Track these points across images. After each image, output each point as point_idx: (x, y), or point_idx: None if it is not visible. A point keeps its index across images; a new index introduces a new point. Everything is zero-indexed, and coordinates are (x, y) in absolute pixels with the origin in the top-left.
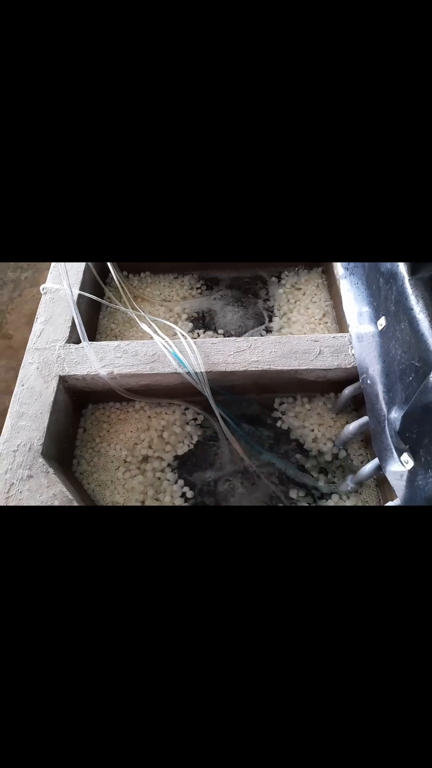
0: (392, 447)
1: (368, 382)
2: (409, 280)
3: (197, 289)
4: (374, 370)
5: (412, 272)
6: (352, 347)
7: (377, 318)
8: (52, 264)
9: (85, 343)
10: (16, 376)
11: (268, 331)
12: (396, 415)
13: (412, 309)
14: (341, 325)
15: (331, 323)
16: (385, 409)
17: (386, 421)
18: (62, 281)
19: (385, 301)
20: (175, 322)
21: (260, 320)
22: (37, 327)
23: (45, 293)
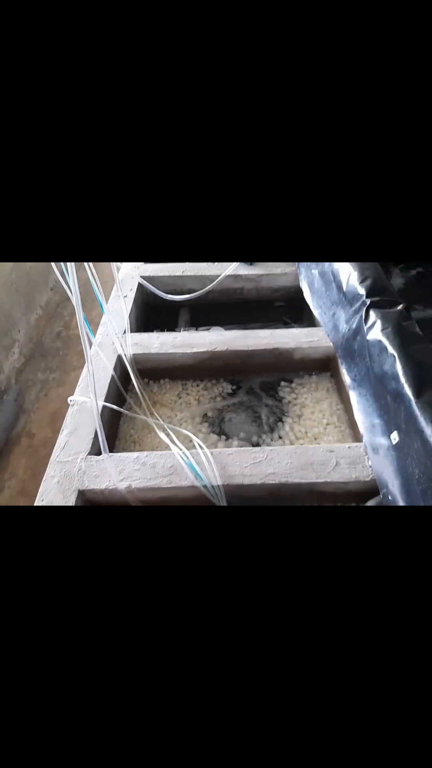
0: None
1: (389, 498)
2: (415, 402)
3: (213, 394)
4: (394, 485)
5: (418, 395)
6: (368, 458)
7: (389, 431)
8: (81, 376)
9: (105, 455)
10: (33, 475)
11: (282, 436)
12: None
13: (423, 431)
14: (354, 429)
15: (345, 428)
16: None
17: None
18: (89, 393)
19: (395, 416)
20: (191, 428)
21: (273, 425)
22: (62, 439)
23: (72, 405)
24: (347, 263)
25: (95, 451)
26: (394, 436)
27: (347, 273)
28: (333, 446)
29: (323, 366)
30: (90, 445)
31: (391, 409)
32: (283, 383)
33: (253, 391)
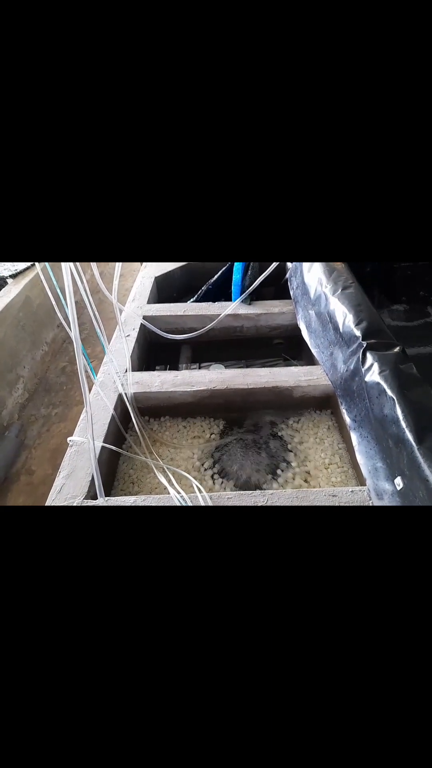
0: None
1: None
2: (417, 448)
3: (213, 432)
4: None
5: (420, 440)
6: (372, 505)
7: (393, 476)
8: (82, 415)
9: (101, 499)
10: None
11: (282, 475)
12: None
13: (427, 479)
14: (357, 470)
15: (348, 468)
16: None
17: None
18: (86, 434)
19: (398, 461)
20: (190, 467)
21: (274, 465)
22: (58, 482)
23: (71, 445)
24: (342, 305)
25: (92, 494)
26: (398, 482)
27: (343, 315)
28: (336, 490)
29: (323, 404)
30: (87, 489)
31: (393, 454)
32: (283, 421)
33: (253, 430)
